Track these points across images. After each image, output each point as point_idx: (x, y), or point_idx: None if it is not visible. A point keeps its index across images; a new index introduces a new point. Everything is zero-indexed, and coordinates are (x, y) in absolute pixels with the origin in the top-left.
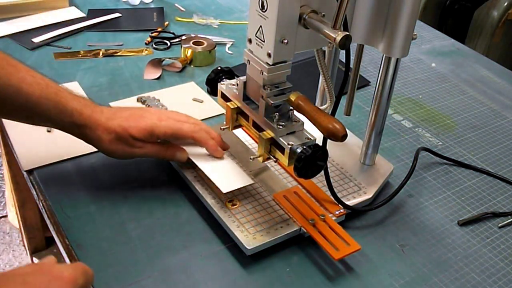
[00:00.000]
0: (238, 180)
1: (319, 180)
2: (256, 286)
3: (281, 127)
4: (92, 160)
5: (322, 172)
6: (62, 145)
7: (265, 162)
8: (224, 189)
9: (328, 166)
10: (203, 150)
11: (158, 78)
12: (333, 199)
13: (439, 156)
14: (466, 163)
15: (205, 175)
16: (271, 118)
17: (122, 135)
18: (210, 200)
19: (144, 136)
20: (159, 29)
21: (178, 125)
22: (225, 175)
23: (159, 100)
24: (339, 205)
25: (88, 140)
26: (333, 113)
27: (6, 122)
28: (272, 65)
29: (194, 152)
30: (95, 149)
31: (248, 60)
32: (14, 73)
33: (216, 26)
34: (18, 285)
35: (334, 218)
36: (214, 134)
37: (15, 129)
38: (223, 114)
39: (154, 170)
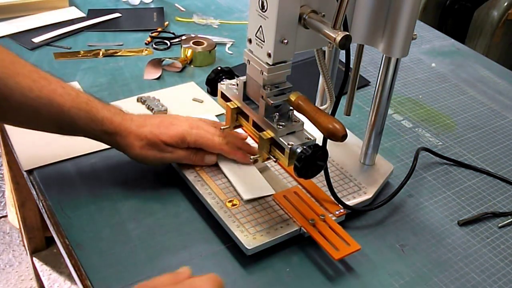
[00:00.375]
0: (260, 188)
1: (319, 180)
2: (256, 286)
3: (281, 127)
4: (92, 160)
5: (322, 172)
6: (62, 145)
7: (265, 162)
8: (245, 196)
9: (328, 166)
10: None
11: (158, 78)
12: (333, 199)
13: (439, 156)
14: (466, 163)
15: (226, 177)
16: (271, 118)
17: (153, 141)
18: (210, 200)
19: (176, 142)
20: (159, 29)
21: (208, 136)
22: (248, 182)
23: (159, 100)
24: (339, 205)
25: (119, 147)
26: (333, 113)
27: None
28: (272, 65)
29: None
30: (95, 149)
31: (248, 60)
32: (46, 85)
33: (216, 26)
34: None
35: (334, 218)
36: (241, 143)
37: (15, 129)
38: (223, 114)
39: (154, 170)
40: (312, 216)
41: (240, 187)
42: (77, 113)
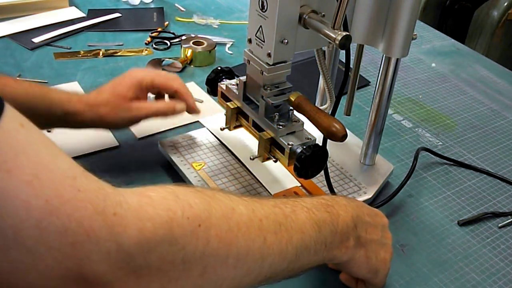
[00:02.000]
0: (285, 182)
1: (319, 180)
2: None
3: (281, 127)
4: (92, 160)
5: (322, 172)
6: (62, 145)
7: (265, 162)
8: (273, 191)
9: (328, 166)
10: (249, 153)
11: None
12: None
13: (439, 156)
14: (466, 163)
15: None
16: (271, 118)
17: (116, 102)
18: None
19: (135, 89)
20: (159, 29)
21: (163, 73)
22: (273, 177)
23: None
24: None
25: (88, 125)
26: (333, 113)
27: None
28: (272, 65)
29: (243, 155)
30: (95, 149)
31: (248, 60)
32: None
33: (216, 26)
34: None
35: None
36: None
37: None
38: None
39: (154, 169)
40: None
41: (267, 183)
42: (33, 101)
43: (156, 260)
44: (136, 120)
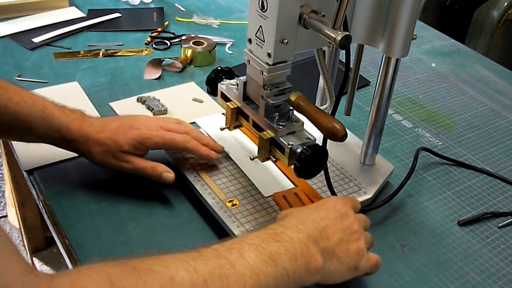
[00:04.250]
0: (278, 184)
1: (319, 180)
2: None
3: (281, 127)
4: None
5: (322, 172)
6: None
7: (265, 162)
8: (266, 193)
9: (328, 166)
10: (244, 152)
11: (158, 78)
12: None
13: (439, 156)
14: (466, 163)
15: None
16: (271, 118)
17: (111, 148)
18: (210, 200)
19: (135, 146)
20: (159, 29)
21: (169, 136)
22: (266, 178)
23: (159, 100)
24: None
25: (79, 153)
26: (333, 113)
27: None
28: (272, 65)
29: (236, 154)
30: None
31: (248, 60)
32: (3, 94)
33: (216, 26)
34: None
35: None
36: (205, 140)
37: None
38: (223, 114)
39: None
40: None
41: (259, 184)
42: (34, 121)
43: None
44: (122, 170)
